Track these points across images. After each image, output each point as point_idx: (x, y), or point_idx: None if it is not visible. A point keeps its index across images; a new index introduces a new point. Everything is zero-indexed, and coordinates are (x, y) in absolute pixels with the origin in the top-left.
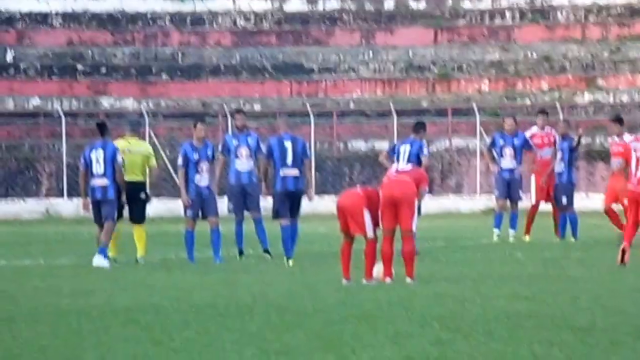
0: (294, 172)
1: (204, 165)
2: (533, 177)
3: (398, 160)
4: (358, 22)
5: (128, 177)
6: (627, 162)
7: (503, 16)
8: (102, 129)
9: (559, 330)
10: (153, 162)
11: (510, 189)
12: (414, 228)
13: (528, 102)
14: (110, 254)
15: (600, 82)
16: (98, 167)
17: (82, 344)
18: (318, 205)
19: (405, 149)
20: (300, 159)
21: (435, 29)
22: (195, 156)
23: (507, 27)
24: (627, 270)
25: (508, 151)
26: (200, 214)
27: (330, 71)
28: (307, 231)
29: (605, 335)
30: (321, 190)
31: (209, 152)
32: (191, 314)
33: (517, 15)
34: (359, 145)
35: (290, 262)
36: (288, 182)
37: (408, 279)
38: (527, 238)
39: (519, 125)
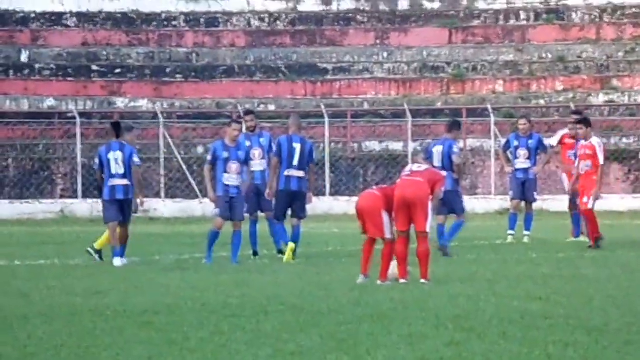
0: (299, 173)
1: (234, 165)
2: (565, 177)
3: (432, 161)
4: (372, 22)
5: None
6: (594, 164)
7: (518, 17)
8: (117, 128)
9: (573, 330)
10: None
11: (524, 189)
12: (428, 229)
13: (542, 102)
14: (97, 246)
15: (615, 82)
16: (118, 168)
17: (96, 344)
18: (332, 206)
19: (437, 150)
20: (306, 162)
21: (450, 30)
22: (225, 154)
23: (521, 27)
24: None
25: (522, 152)
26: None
27: (345, 71)
28: (321, 232)
29: (620, 336)
30: (335, 191)
31: (240, 153)
32: (205, 314)
33: (532, 16)
34: (373, 145)
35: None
36: (292, 182)
37: (422, 280)
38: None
39: (534, 126)
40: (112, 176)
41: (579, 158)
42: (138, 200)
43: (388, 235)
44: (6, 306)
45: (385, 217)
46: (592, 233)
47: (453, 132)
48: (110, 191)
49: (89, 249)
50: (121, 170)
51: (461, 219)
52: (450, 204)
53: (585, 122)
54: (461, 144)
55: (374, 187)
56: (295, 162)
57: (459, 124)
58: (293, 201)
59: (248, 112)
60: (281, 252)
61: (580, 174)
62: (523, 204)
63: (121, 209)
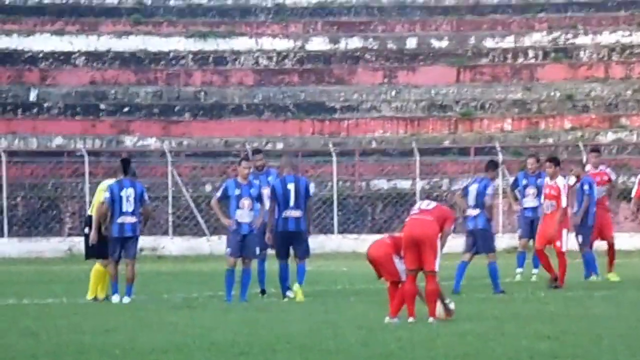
0: (296, 213)
1: (246, 202)
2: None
3: (468, 200)
4: (380, 61)
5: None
6: (558, 205)
7: (526, 55)
8: (126, 165)
9: None
10: (101, 197)
11: (533, 228)
12: (436, 268)
13: (551, 141)
14: (100, 295)
15: (624, 121)
16: (128, 206)
17: None
18: (341, 244)
19: (473, 188)
20: (303, 200)
21: (458, 68)
22: (237, 192)
23: (530, 66)
24: None
25: (531, 190)
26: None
27: (353, 110)
28: (329, 270)
29: None
30: (343, 229)
31: (252, 190)
32: (214, 353)
33: (540, 54)
34: (381, 184)
35: (291, 294)
36: (289, 223)
37: (431, 319)
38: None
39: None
40: (123, 213)
41: (544, 197)
42: None
43: (404, 278)
44: (14, 345)
45: (397, 262)
46: (562, 272)
47: (489, 172)
48: (119, 228)
49: (90, 299)
50: (131, 208)
51: (492, 260)
52: (481, 243)
53: (554, 161)
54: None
55: (386, 235)
56: (292, 202)
57: (496, 163)
58: (292, 242)
59: (257, 151)
60: (264, 291)
61: (545, 213)
62: (531, 242)
63: (126, 247)
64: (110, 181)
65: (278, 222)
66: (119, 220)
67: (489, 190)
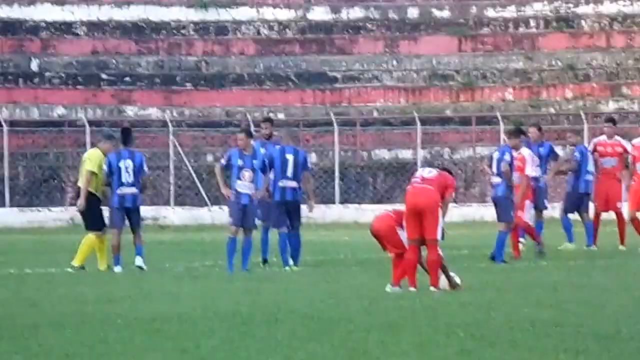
0: (293, 183)
1: (247, 173)
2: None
3: (491, 168)
4: (382, 30)
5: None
6: (526, 176)
7: (527, 25)
8: (126, 135)
9: (584, 338)
10: (87, 165)
11: (535, 197)
12: (438, 237)
13: (552, 110)
14: (101, 267)
15: (625, 90)
16: (127, 177)
17: (107, 352)
18: (342, 214)
19: (495, 157)
20: (300, 171)
21: (459, 38)
22: (240, 162)
23: (531, 35)
24: None
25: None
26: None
27: (354, 80)
28: (331, 240)
29: (631, 344)
30: (344, 199)
31: (255, 162)
32: (216, 322)
33: (542, 24)
34: (383, 153)
35: (294, 268)
36: (287, 193)
37: (432, 288)
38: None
39: (544, 134)
40: (122, 184)
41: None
42: None
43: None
44: (17, 315)
45: (401, 233)
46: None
47: (512, 140)
48: (119, 199)
49: (70, 269)
50: (131, 179)
51: (503, 229)
52: (498, 211)
53: (517, 132)
54: (524, 151)
55: (390, 210)
56: (289, 172)
57: (519, 131)
58: (289, 212)
59: (266, 120)
60: (266, 260)
61: (516, 185)
62: (533, 211)
63: (129, 217)
64: (94, 150)
65: (275, 191)
66: (119, 191)
67: (507, 157)
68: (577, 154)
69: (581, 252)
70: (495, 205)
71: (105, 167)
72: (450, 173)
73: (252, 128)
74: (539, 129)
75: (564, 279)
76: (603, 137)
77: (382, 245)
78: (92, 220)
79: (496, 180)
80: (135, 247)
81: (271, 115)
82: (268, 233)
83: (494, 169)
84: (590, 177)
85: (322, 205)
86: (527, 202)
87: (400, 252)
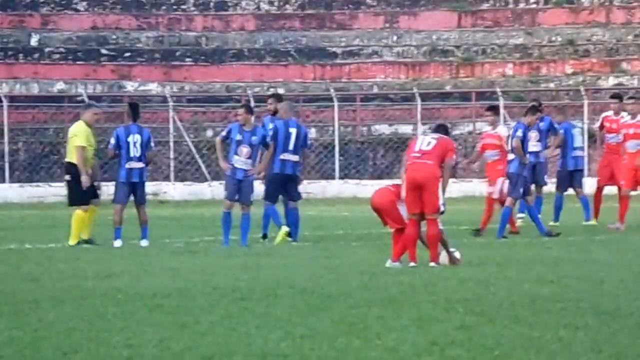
0: (294, 157)
1: (245, 149)
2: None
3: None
4: (382, 5)
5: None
6: (502, 153)
7: (527, 0)
8: (135, 110)
9: (584, 314)
10: (76, 142)
11: (535, 173)
12: (442, 208)
13: (552, 85)
14: (83, 236)
15: (625, 65)
16: (135, 151)
17: (107, 327)
18: (342, 189)
19: (511, 133)
20: (300, 147)
21: (459, 13)
22: (238, 137)
23: (531, 10)
24: None
25: (533, 135)
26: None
27: (354, 55)
28: (330, 215)
29: (631, 320)
30: (344, 174)
31: (254, 138)
32: (216, 297)
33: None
34: (383, 129)
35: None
36: (287, 166)
37: (432, 263)
38: (594, 222)
39: (543, 110)
40: (130, 159)
41: (482, 147)
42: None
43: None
44: (17, 290)
45: (401, 208)
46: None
47: (528, 116)
48: (127, 173)
49: (70, 244)
50: (138, 154)
51: (507, 204)
52: (509, 186)
53: (533, 109)
54: (538, 127)
55: (390, 184)
56: (291, 146)
57: (535, 108)
58: (287, 185)
59: (271, 96)
60: (265, 236)
61: (487, 162)
62: (533, 186)
63: (134, 192)
64: (78, 124)
65: (275, 164)
66: (127, 165)
67: (519, 133)
68: (561, 131)
69: (580, 227)
70: (509, 180)
71: (112, 140)
72: (447, 131)
73: (252, 103)
74: (540, 105)
75: (565, 255)
76: (610, 113)
77: (382, 219)
78: (76, 195)
79: (510, 156)
80: (140, 227)
81: (271, 90)
82: (270, 209)
83: (508, 146)
84: (579, 153)
85: (322, 181)
86: (500, 179)
87: (400, 227)
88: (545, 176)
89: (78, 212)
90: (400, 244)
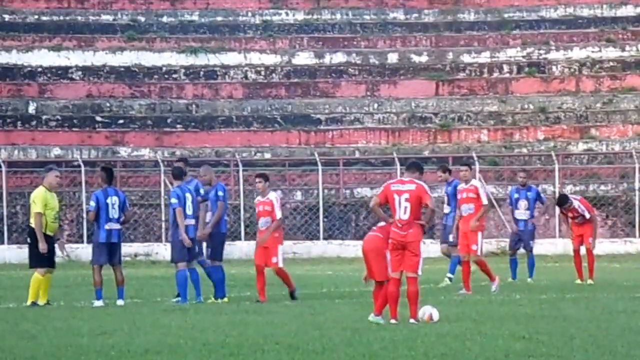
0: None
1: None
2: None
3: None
4: (363, 75)
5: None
6: (477, 206)
7: (501, 70)
8: (109, 174)
9: None
10: (34, 208)
11: (522, 239)
12: (419, 271)
13: (525, 151)
14: (40, 301)
15: (594, 132)
16: (114, 212)
17: None
18: (326, 249)
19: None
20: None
21: (437, 82)
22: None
23: (504, 80)
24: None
25: (523, 203)
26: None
27: (337, 122)
28: (315, 274)
29: None
30: (328, 235)
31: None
32: (205, 353)
33: (515, 69)
34: (365, 192)
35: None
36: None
37: (412, 320)
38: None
39: (530, 176)
40: (110, 220)
41: (459, 202)
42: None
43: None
44: (15, 347)
45: (389, 258)
46: (489, 275)
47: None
48: (107, 234)
49: (29, 304)
50: (117, 215)
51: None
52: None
53: (469, 165)
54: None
55: (375, 228)
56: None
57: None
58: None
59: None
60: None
61: (462, 216)
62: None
63: (112, 252)
64: (37, 191)
65: (222, 223)
66: (107, 226)
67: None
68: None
69: (552, 286)
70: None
71: (92, 203)
72: (421, 169)
73: (240, 168)
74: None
75: (537, 312)
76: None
77: (367, 268)
78: (35, 258)
79: (446, 209)
80: (117, 287)
81: (258, 155)
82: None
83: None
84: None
85: (307, 241)
86: (479, 234)
87: (381, 280)
88: (531, 242)
89: (36, 275)
90: (382, 298)
